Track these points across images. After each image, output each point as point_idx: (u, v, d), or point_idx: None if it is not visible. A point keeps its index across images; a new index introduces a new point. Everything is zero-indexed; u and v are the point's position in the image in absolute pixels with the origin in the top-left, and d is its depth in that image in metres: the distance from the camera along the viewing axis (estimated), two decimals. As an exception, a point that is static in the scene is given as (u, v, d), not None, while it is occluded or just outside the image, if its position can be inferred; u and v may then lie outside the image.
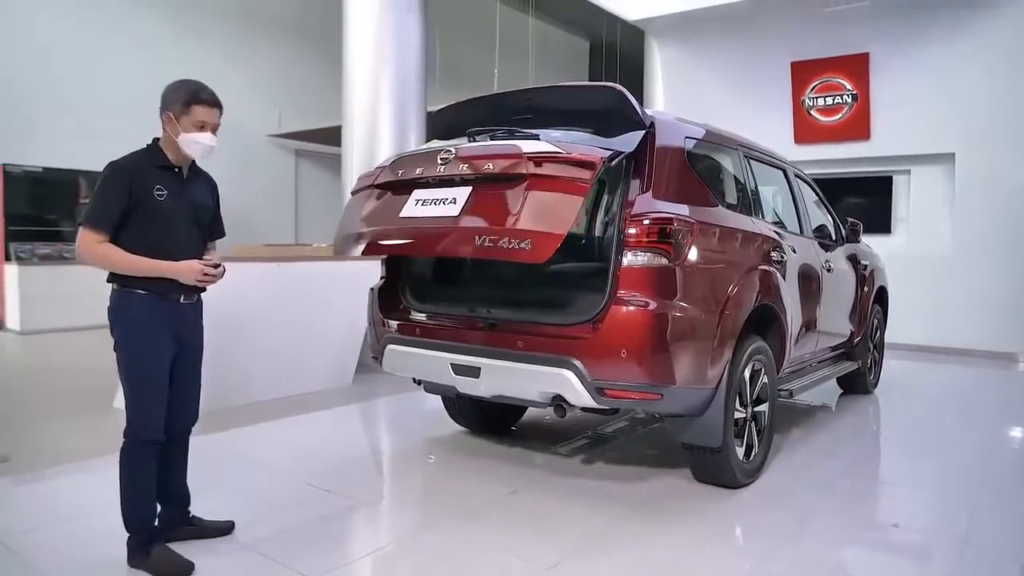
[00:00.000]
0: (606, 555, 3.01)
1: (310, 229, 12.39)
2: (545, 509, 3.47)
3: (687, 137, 3.74)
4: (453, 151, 3.40)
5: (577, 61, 17.57)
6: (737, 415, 3.67)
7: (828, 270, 5.05)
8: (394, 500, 3.80)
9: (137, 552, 2.74)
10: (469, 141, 3.60)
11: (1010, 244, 8.16)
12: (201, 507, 3.09)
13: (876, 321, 6.26)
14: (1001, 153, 8.18)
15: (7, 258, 9.22)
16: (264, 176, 12.20)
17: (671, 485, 3.84)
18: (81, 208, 9.87)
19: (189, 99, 2.74)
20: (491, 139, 3.53)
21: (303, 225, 12.71)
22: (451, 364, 3.57)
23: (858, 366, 5.81)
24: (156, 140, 2.83)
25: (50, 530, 3.15)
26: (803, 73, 9.25)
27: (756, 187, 4.34)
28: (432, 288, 4.22)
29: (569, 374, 3.19)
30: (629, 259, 3.21)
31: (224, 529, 3.06)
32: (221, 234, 3.06)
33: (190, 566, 2.72)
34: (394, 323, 3.97)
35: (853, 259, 5.76)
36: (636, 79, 11.49)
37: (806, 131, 9.35)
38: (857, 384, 6.12)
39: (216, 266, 2.78)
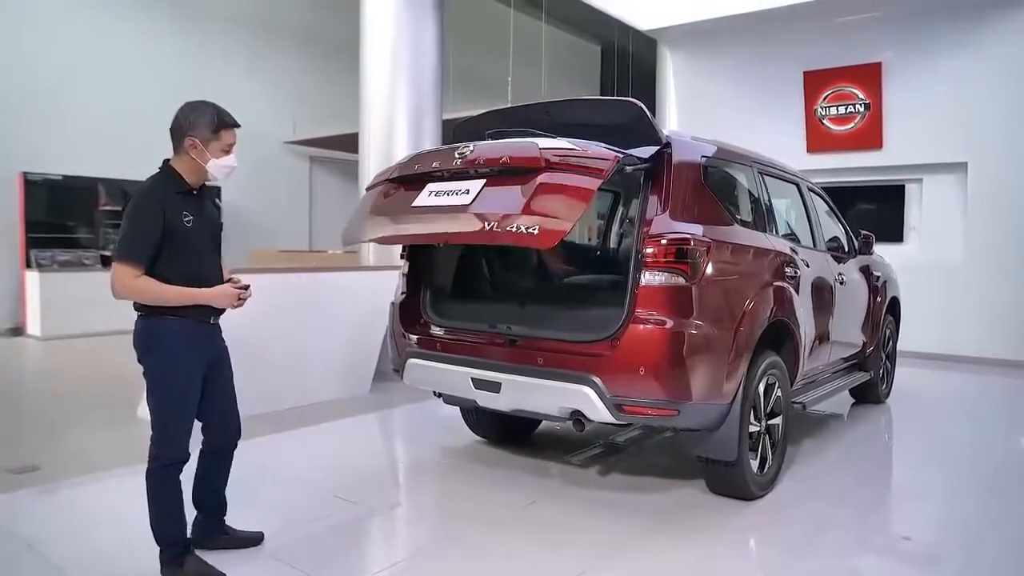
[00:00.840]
0: (626, 567, 3.08)
1: (325, 234, 12.51)
2: (564, 520, 3.55)
3: (703, 156, 3.81)
4: (471, 147, 3.46)
5: (589, 66, 17.64)
6: (751, 428, 3.74)
7: (841, 283, 5.10)
8: (417, 511, 3.89)
9: (171, 564, 2.82)
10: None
11: (1022, 253, 8.18)
12: (230, 517, 3.18)
13: (888, 331, 6.31)
14: (1014, 163, 8.20)
15: (28, 265, 9.37)
16: (279, 182, 12.33)
17: (686, 496, 3.91)
18: (100, 215, 10.04)
19: (217, 125, 2.76)
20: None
21: (317, 230, 12.83)
22: (472, 379, 3.66)
23: (870, 376, 5.86)
24: (167, 162, 2.80)
25: (84, 539, 3.25)
26: (815, 82, 9.29)
27: (770, 202, 4.40)
28: (452, 303, 4.30)
29: (588, 391, 3.27)
30: (647, 278, 3.29)
31: (255, 539, 3.16)
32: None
33: (222, 577, 2.81)
34: (415, 337, 4.07)
35: (866, 270, 5.81)
36: (648, 85, 11.55)
37: (818, 140, 9.39)
38: (869, 394, 6.17)
39: (246, 288, 2.86)
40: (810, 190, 5.27)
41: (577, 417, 3.45)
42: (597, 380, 3.26)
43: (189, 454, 2.84)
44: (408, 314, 4.19)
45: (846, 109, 9.14)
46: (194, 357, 2.79)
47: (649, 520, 3.58)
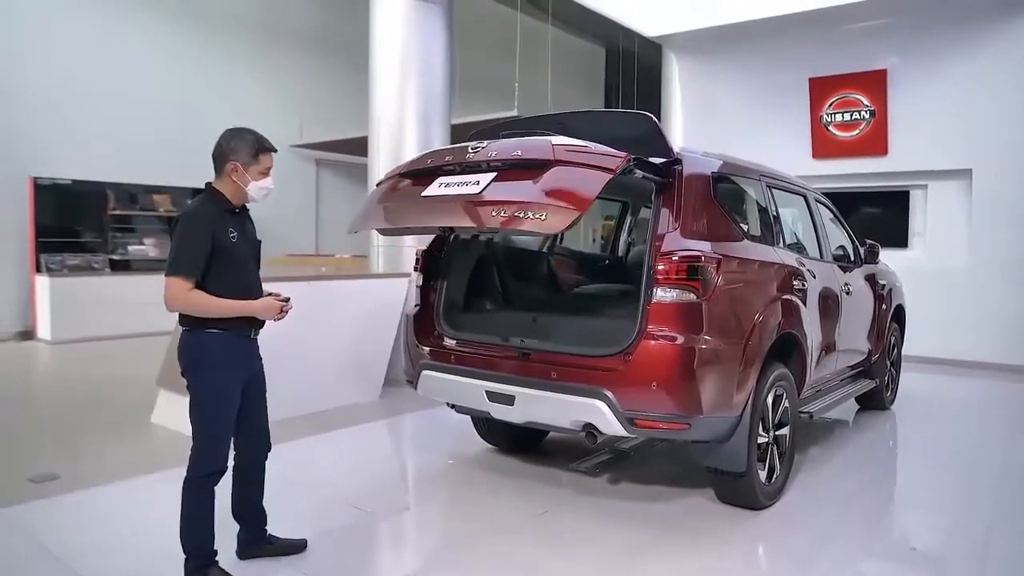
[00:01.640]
0: (637, 578, 3.15)
1: (331, 239, 12.57)
2: (578, 530, 3.62)
3: (713, 171, 3.87)
4: (484, 143, 3.53)
5: (593, 69, 17.69)
6: (760, 439, 3.80)
7: (847, 292, 5.16)
8: (431, 520, 3.96)
9: (195, 574, 2.89)
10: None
11: (1027, 259, 8.24)
12: (251, 529, 3.25)
13: (893, 339, 6.37)
14: (1018, 169, 8.24)
15: (38, 269, 9.44)
16: (286, 186, 12.26)
17: (695, 505, 3.97)
18: (109, 219, 10.11)
19: (256, 150, 2.91)
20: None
21: (324, 234, 12.89)
22: (486, 391, 3.73)
23: (876, 384, 5.92)
24: (210, 185, 2.94)
25: (107, 550, 3.32)
26: (821, 89, 9.34)
27: (778, 215, 4.46)
28: (465, 315, 4.37)
29: (601, 405, 3.34)
30: (659, 295, 3.35)
31: (298, 546, 3.27)
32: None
33: (246, 588, 2.89)
34: (429, 349, 4.13)
35: (871, 279, 5.86)
36: (653, 88, 11.60)
37: (824, 146, 9.44)
38: (874, 400, 6.22)
39: (287, 300, 2.97)
40: (816, 201, 5.33)
41: (590, 430, 3.52)
42: (610, 394, 3.33)
43: (227, 465, 2.94)
44: (422, 326, 4.25)
45: (851, 116, 9.19)
46: (235, 371, 2.91)
47: (660, 529, 3.65)
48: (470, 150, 3.50)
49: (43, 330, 9.35)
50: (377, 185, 4.07)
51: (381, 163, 7.01)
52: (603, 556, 3.34)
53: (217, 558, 2.96)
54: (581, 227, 10.67)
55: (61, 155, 9.67)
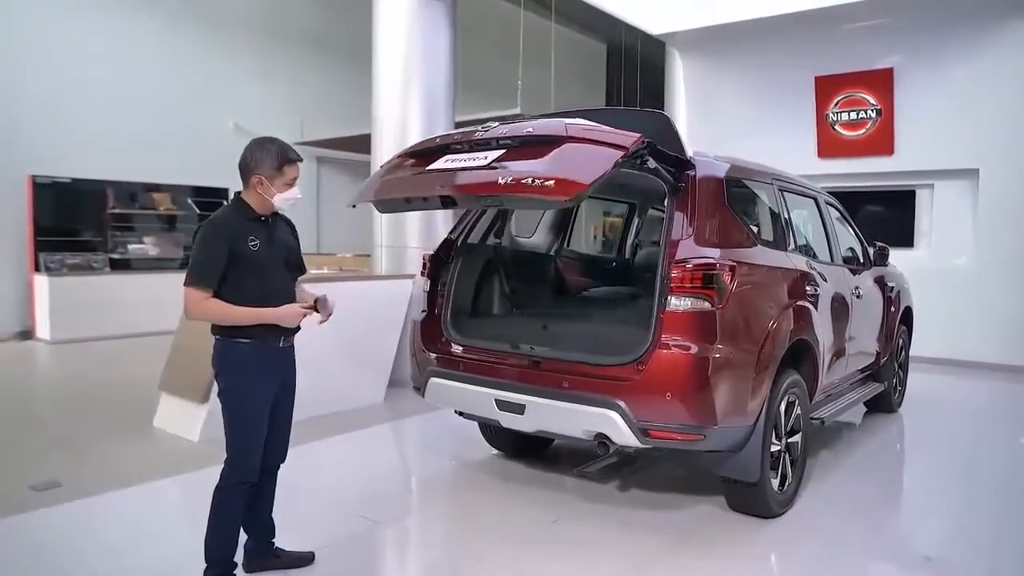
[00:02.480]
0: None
1: (332, 237, 12.49)
2: (590, 540, 3.57)
3: (727, 176, 3.81)
4: (496, 123, 3.47)
5: (594, 65, 17.59)
6: (773, 448, 3.75)
7: (858, 296, 5.11)
8: (440, 529, 3.92)
9: (213, 583, 2.87)
10: None
11: (1034, 259, 8.19)
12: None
13: (901, 341, 6.32)
14: (1025, 169, 8.20)
15: (37, 269, 9.37)
16: (286, 184, 12.28)
17: (706, 513, 3.92)
18: (109, 218, 10.03)
19: (281, 161, 2.86)
20: None
21: (325, 233, 12.81)
22: (495, 400, 3.67)
23: (884, 387, 5.87)
24: (239, 194, 2.93)
25: (115, 560, 3.26)
26: (827, 88, 9.28)
27: (789, 219, 4.41)
28: (473, 321, 4.31)
29: (615, 415, 3.29)
30: (673, 303, 3.29)
31: (306, 559, 3.21)
32: (303, 272, 3.18)
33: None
34: (437, 356, 4.07)
35: (880, 281, 5.81)
36: (655, 85, 11.52)
37: (830, 145, 9.38)
38: (882, 403, 6.17)
39: (312, 307, 2.93)
40: (827, 203, 5.28)
41: (602, 440, 3.46)
42: (623, 404, 3.28)
43: (256, 477, 2.91)
44: (429, 332, 4.19)
45: (858, 115, 9.13)
46: (266, 380, 2.89)
47: (673, 539, 3.59)
48: (480, 129, 3.45)
49: (42, 330, 9.28)
50: (382, 166, 4.01)
51: (384, 161, 6.93)
52: (618, 568, 3.29)
53: (236, 571, 2.95)
54: (583, 225, 10.62)
55: (60, 153, 9.59)
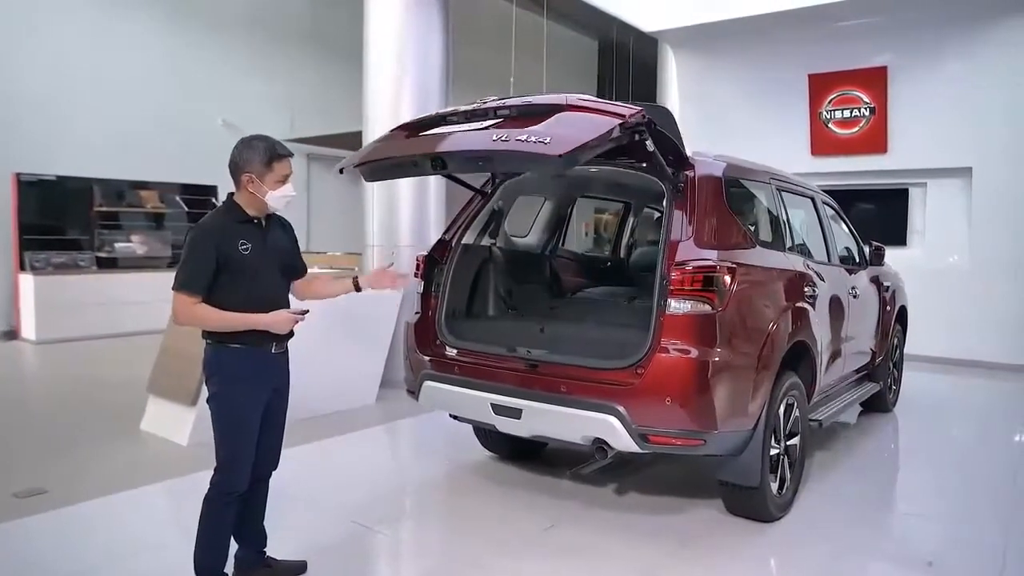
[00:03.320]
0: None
1: (323, 235, 12.37)
2: (587, 546, 3.51)
3: (726, 177, 3.76)
4: (495, 96, 3.40)
5: (586, 62, 17.52)
6: (772, 451, 3.71)
7: (855, 296, 5.08)
8: (434, 536, 3.85)
9: (203, 594, 2.80)
10: None
11: (1026, 257, 8.20)
12: (249, 550, 3.12)
13: (896, 340, 6.30)
14: (1019, 168, 8.19)
15: (22, 267, 9.22)
16: (275, 181, 12.16)
17: (704, 517, 3.88)
18: (95, 216, 9.89)
19: (269, 157, 2.78)
20: None
21: (315, 231, 12.68)
22: (491, 404, 3.60)
23: (880, 387, 5.85)
24: (231, 196, 2.86)
25: (105, 570, 3.18)
26: (821, 85, 9.25)
27: (788, 219, 4.37)
28: (468, 323, 4.23)
29: (614, 420, 3.23)
30: (673, 306, 3.24)
31: (297, 569, 3.13)
32: (303, 272, 3.11)
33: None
34: (431, 359, 3.99)
35: (876, 280, 5.79)
36: (647, 82, 11.46)
37: (823, 143, 9.35)
38: (877, 402, 6.14)
39: (303, 313, 2.86)
40: (824, 203, 5.24)
41: (600, 445, 3.40)
42: (622, 409, 3.22)
43: (246, 487, 2.84)
44: (423, 334, 4.11)
45: (851, 113, 9.10)
46: (257, 386, 2.82)
47: (671, 545, 3.54)
48: (478, 101, 3.40)
49: (27, 330, 9.13)
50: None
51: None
52: (616, 573, 3.23)
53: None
54: (576, 225, 10.55)
55: (46, 150, 9.43)
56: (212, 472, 2.82)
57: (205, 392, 2.87)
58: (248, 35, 11.76)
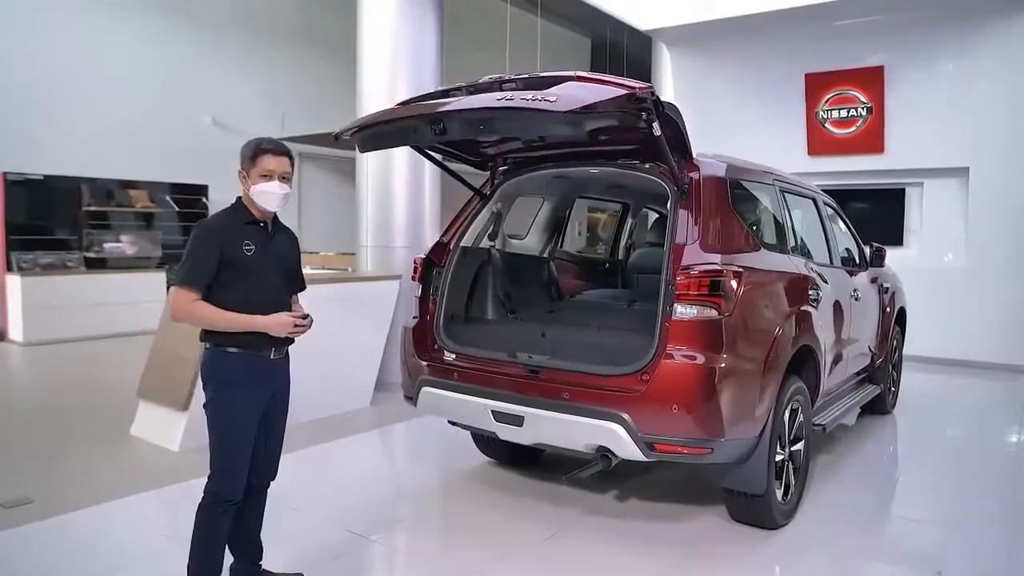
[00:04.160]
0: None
1: (316, 235, 12.24)
2: (588, 556, 3.44)
3: (730, 179, 3.69)
4: (499, 75, 3.35)
5: (579, 60, 17.45)
6: (777, 457, 3.64)
7: (856, 298, 5.03)
8: (432, 545, 3.75)
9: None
10: None
11: (1022, 257, 8.16)
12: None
13: (895, 342, 6.26)
14: (1015, 168, 8.16)
15: (9, 268, 9.08)
16: (266, 180, 12.03)
17: (708, 525, 3.80)
18: (84, 216, 9.75)
19: (254, 152, 2.73)
20: None
21: (307, 231, 12.54)
22: (492, 411, 3.51)
23: (880, 389, 5.80)
24: (239, 198, 2.82)
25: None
26: (817, 85, 9.20)
27: (791, 221, 4.31)
28: (468, 328, 4.14)
29: (619, 428, 3.15)
30: (679, 311, 3.16)
31: None
32: (302, 287, 3.04)
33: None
34: (429, 364, 3.90)
35: (876, 282, 5.74)
36: (641, 79, 11.32)
37: (820, 143, 9.31)
38: (877, 404, 6.09)
39: (304, 317, 2.79)
40: (825, 204, 5.18)
41: (604, 453, 3.32)
42: (627, 417, 3.14)
43: (240, 496, 2.75)
44: (421, 339, 4.02)
45: (848, 112, 9.06)
46: (250, 390, 2.74)
47: (674, 555, 3.47)
48: (484, 78, 3.35)
49: (15, 331, 9.00)
50: None
51: (369, 157, 6.76)
52: (619, 586, 3.17)
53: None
54: (574, 225, 10.44)
55: (33, 149, 9.27)
56: (206, 480, 2.73)
57: (197, 397, 2.79)
58: (239, 34, 11.63)
